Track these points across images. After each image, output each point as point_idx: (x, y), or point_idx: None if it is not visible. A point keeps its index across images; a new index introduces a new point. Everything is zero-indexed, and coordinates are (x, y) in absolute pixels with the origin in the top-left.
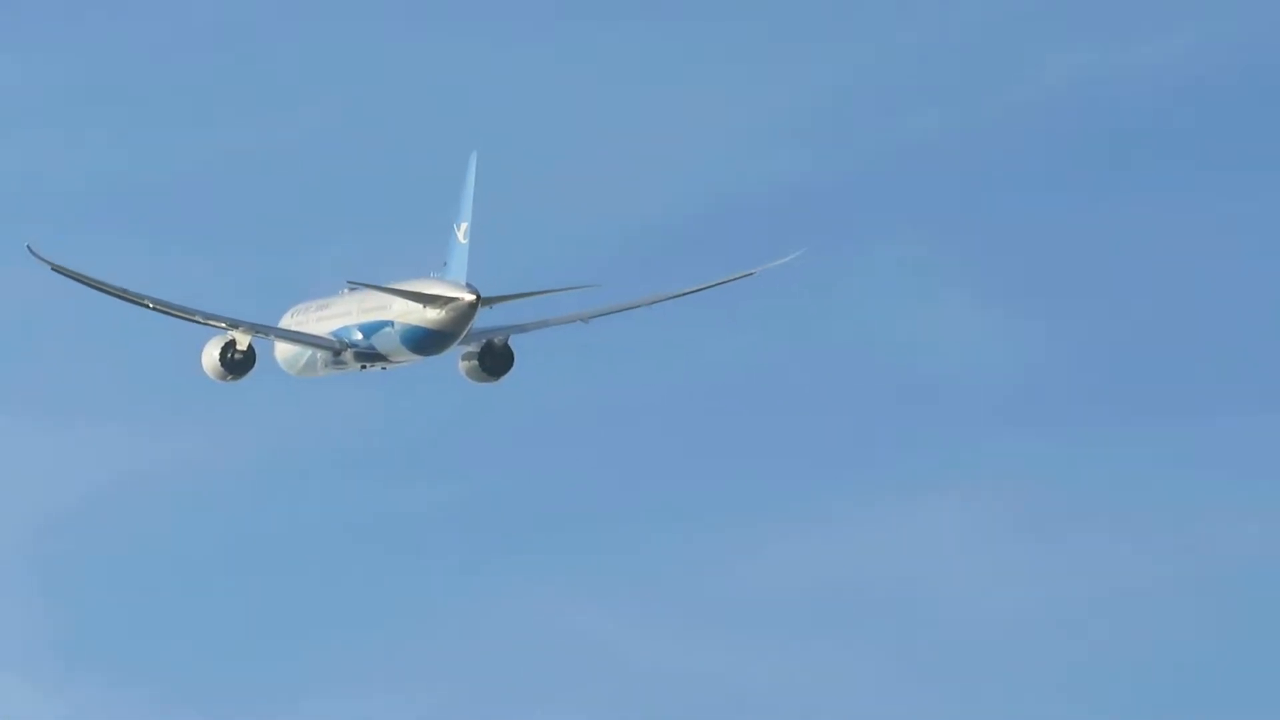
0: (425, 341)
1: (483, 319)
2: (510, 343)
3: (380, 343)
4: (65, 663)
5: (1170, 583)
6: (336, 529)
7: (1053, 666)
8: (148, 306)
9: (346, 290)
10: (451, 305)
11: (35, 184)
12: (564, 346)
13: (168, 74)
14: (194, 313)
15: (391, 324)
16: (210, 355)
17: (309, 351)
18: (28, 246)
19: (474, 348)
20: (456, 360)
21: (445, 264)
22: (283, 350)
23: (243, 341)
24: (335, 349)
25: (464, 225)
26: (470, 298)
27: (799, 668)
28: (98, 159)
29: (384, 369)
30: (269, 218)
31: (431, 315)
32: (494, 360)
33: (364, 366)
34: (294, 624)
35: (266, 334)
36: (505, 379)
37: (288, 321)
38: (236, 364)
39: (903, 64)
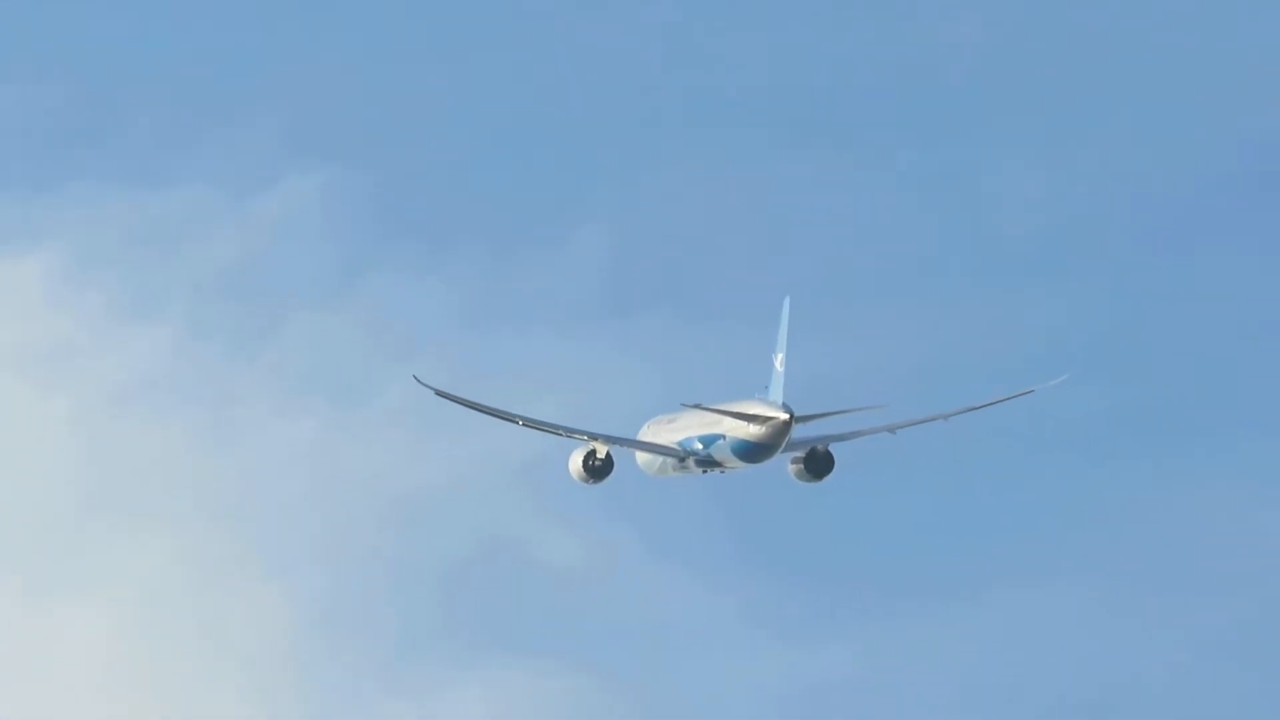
0: (750, 452)
1: (807, 431)
2: (831, 449)
3: (716, 452)
4: None
5: None
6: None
7: None
8: (517, 423)
9: (690, 407)
10: (770, 423)
11: None
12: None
13: None
14: (559, 428)
15: (724, 436)
16: (575, 462)
17: (660, 458)
18: (414, 376)
19: (800, 453)
20: (786, 464)
21: (766, 387)
22: (642, 456)
23: (602, 450)
24: (680, 456)
25: (780, 356)
26: (784, 416)
27: None
28: None
29: (721, 473)
30: None
31: (754, 430)
32: (817, 464)
33: (705, 471)
34: None
35: (621, 444)
36: (827, 479)
37: (645, 432)
38: (597, 469)
39: None
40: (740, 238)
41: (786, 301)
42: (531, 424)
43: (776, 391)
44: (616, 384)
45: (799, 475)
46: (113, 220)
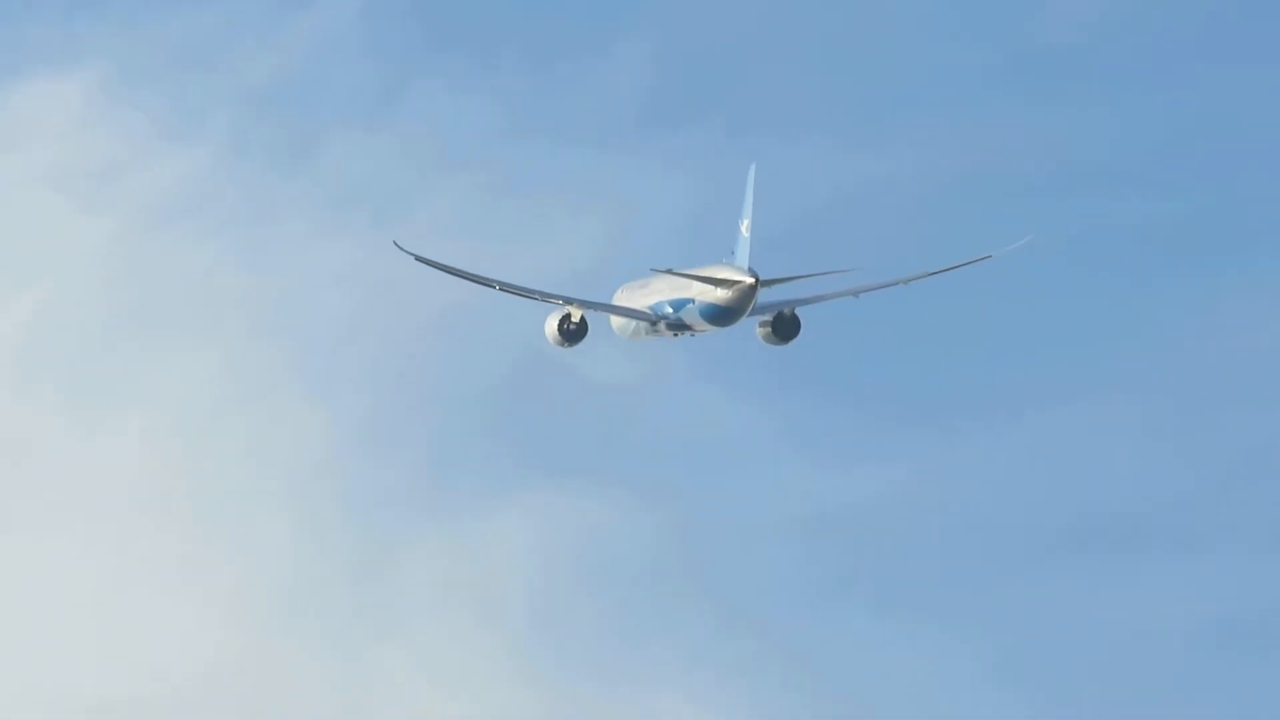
0: (718, 315)
1: (776, 295)
2: (798, 313)
3: (686, 316)
4: None
5: None
6: None
7: None
8: (494, 288)
9: (660, 272)
10: (736, 287)
11: None
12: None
13: None
14: (535, 292)
15: (693, 301)
16: (551, 326)
17: (634, 322)
18: (394, 242)
19: (768, 317)
20: (755, 327)
21: (733, 252)
22: (616, 320)
23: (576, 315)
24: (652, 320)
25: (746, 222)
26: (750, 280)
27: None
28: None
29: (692, 336)
30: None
31: (721, 295)
32: (784, 327)
33: (676, 334)
34: None
35: (594, 308)
36: (794, 343)
37: (619, 297)
38: (571, 333)
39: None
40: (786, 49)
41: (752, 170)
42: (509, 289)
43: (743, 257)
44: (659, 199)
45: (766, 338)
46: (153, 38)
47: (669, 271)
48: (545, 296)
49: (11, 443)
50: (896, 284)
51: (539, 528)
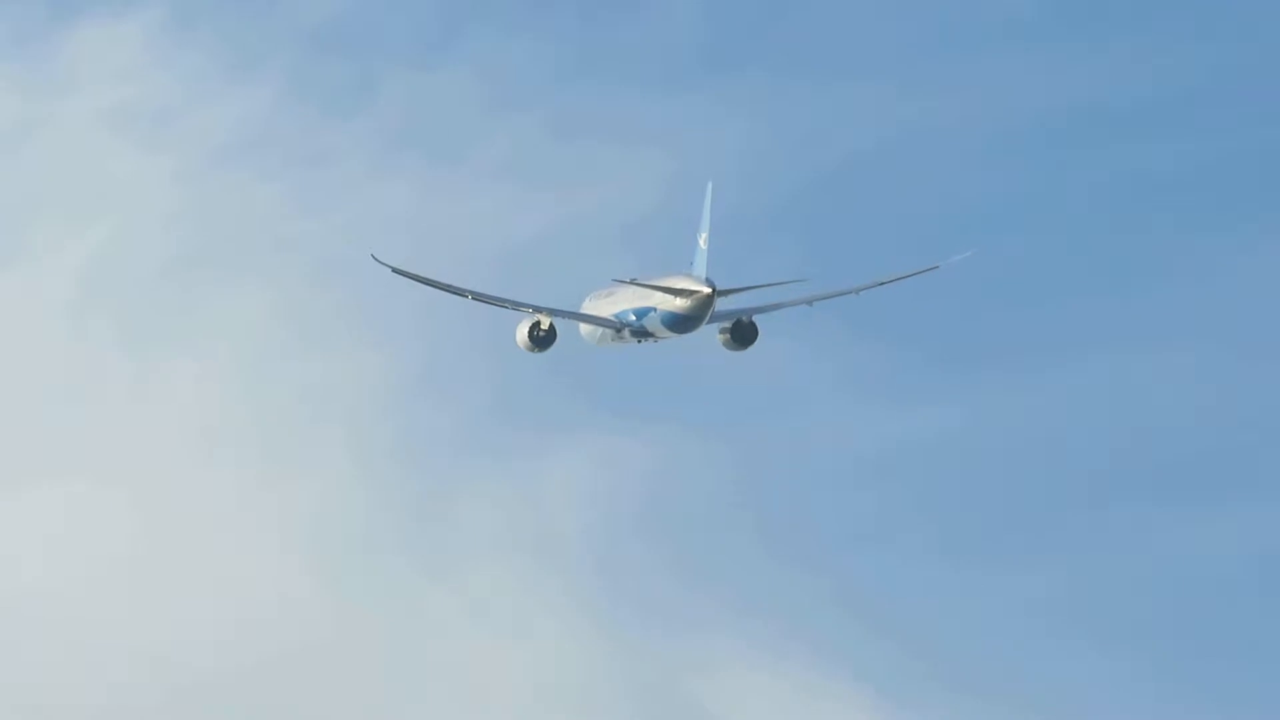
0: (678, 323)
1: (735, 303)
2: (755, 320)
3: (648, 323)
4: None
5: None
6: None
7: None
8: (467, 298)
9: (622, 282)
10: (694, 296)
11: None
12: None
13: None
14: (506, 301)
15: (655, 309)
16: (521, 333)
17: (600, 329)
18: (372, 255)
19: (728, 324)
20: (715, 334)
21: (692, 263)
22: (584, 327)
23: (545, 322)
24: (617, 328)
25: (704, 235)
26: (708, 290)
27: None
28: None
29: (655, 343)
30: None
31: (680, 304)
32: (742, 334)
33: (640, 340)
34: None
35: (563, 316)
36: (751, 349)
37: (586, 306)
38: (541, 339)
39: None
40: None
41: (709, 186)
42: (481, 298)
43: (701, 267)
44: (713, 140)
45: (726, 344)
46: None
47: (632, 281)
48: (517, 305)
49: (72, 381)
50: (847, 294)
51: (600, 470)
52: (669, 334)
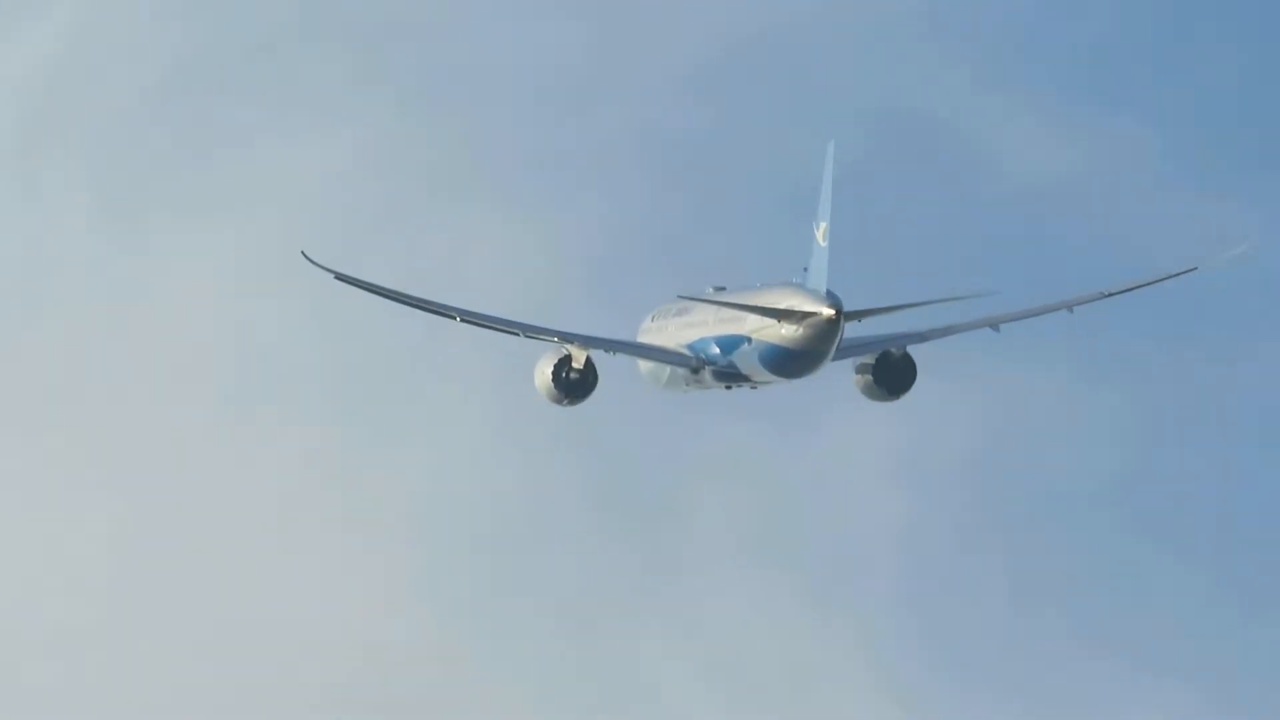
0: (784, 361)
1: (871, 327)
2: (910, 353)
3: (740, 361)
4: None
5: None
6: None
7: None
8: (454, 319)
9: (711, 291)
10: (810, 320)
11: None
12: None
13: None
14: (512, 325)
15: (748, 340)
16: (543, 374)
17: (668, 367)
18: (303, 253)
19: (868, 359)
20: (851, 374)
21: (806, 269)
22: (644, 364)
23: (579, 358)
24: (692, 366)
25: (823, 226)
26: (830, 311)
27: None
28: None
29: (752, 388)
30: None
31: (789, 332)
32: (892, 374)
33: (728, 386)
34: None
35: (607, 349)
36: (906, 396)
37: (649, 326)
38: (573, 384)
39: None
40: None
41: (830, 147)
42: (476, 320)
43: (819, 275)
44: None
45: (867, 390)
46: None
47: (713, 299)
48: (530, 332)
49: None
50: (1084, 302)
51: None
52: (770, 376)
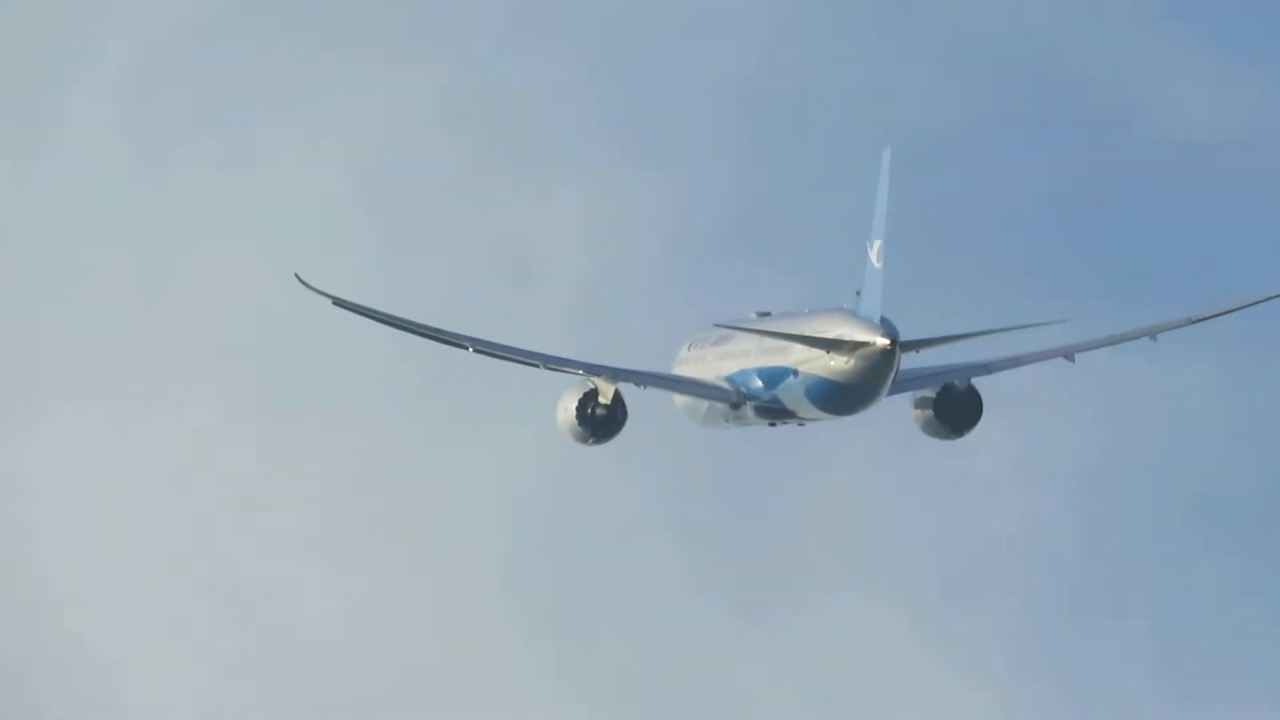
0: (833, 397)
1: (931, 358)
2: (974, 386)
3: (785, 395)
4: None
5: None
6: None
7: None
8: (467, 349)
9: (754, 316)
10: (863, 351)
11: None
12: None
13: None
14: (535, 357)
15: (795, 372)
16: (567, 409)
17: (707, 401)
18: (296, 275)
19: (929, 394)
20: (910, 409)
21: (859, 293)
22: (680, 399)
23: (606, 392)
24: (733, 401)
25: (878, 244)
26: (884, 342)
27: None
28: None
29: (800, 425)
30: None
31: (839, 364)
32: (956, 409)
33: (772, 423)
34: None
35: (639, 382)
36: (971, 433)
37: (685, 355)
38: (600, 422)
39: None
40: None
41: (886, 154)
42: (490, 351)
43: (872, 300)
44: None
45: (928, 426)
46: None
47: (755, 328)
48: (550, 363)
49: None
50: (1168, 329)
51: None
52: (819, 413)
